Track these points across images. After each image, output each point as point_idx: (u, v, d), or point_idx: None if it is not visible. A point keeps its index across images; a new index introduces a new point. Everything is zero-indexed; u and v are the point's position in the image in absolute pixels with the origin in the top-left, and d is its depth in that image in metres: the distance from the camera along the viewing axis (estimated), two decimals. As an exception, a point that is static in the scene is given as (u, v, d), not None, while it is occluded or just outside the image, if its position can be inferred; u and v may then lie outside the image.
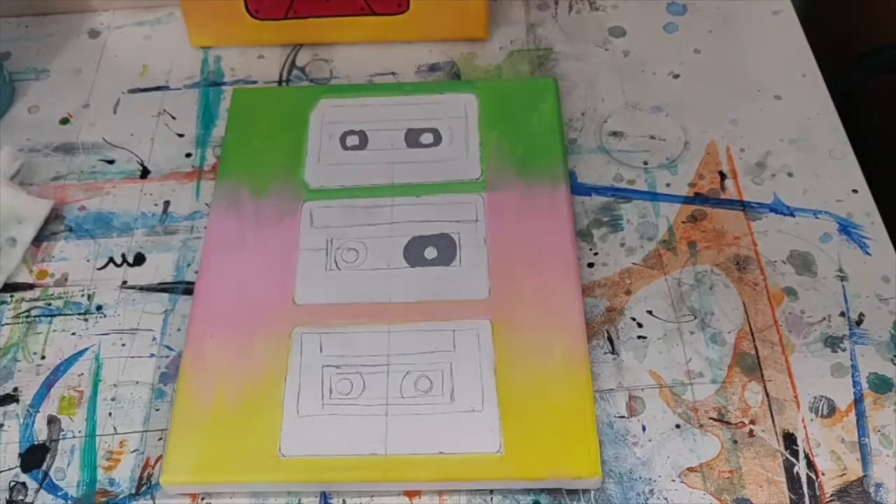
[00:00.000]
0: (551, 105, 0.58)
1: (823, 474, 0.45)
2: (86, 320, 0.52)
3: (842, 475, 0.45)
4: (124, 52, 0.66)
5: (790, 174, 0.57)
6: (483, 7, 0.63)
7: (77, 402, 0.49)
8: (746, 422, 0.47)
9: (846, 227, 0.54)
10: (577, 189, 0.57)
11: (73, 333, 0.52)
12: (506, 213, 0.54)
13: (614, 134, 0.59)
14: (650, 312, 0.51)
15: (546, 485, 0.45)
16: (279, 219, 0.54)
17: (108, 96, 0.64)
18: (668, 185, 0.56)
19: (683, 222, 0.55)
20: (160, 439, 0.48)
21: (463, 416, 0.46)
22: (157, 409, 0.49)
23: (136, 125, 0.62)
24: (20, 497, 0.46)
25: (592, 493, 0.45)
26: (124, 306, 0.53)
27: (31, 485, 0.47)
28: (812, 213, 0.55)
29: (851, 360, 0.49)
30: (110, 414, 0.49)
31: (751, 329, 0.50)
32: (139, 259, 0.55)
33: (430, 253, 0.52)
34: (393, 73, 0.64)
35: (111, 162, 0.60)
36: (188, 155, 0.60)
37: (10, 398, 0.50)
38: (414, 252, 0.53)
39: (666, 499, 0.45)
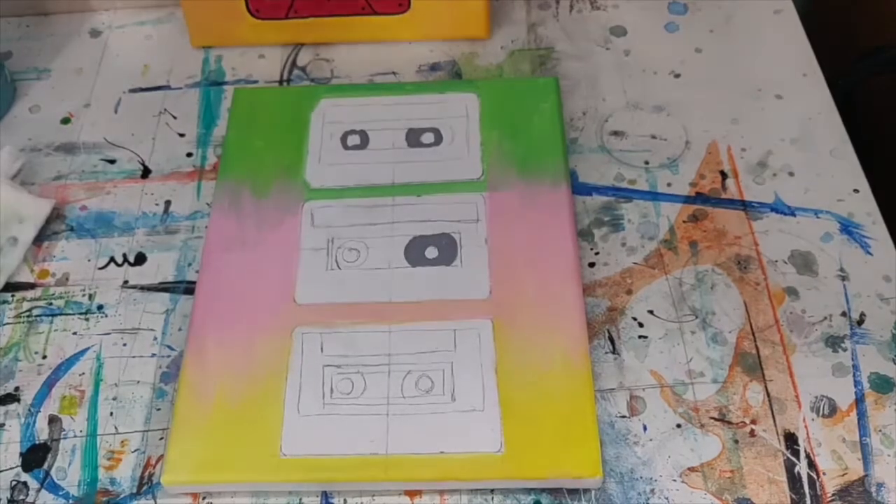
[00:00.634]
0: (552, 104, 0.58)
1: (824, 474, 0.45)
2: (87, 320, 0.52)
3: (843, 475, 0.45)
4: (125, 52, 0.66)
5: (791, 174, 0.57)
6: (484, 6, 0.63)
7: (78, 401, 0.49)
8: (747, 421, 0.47)
9: (847, 227, 0.54)
10: (579, 189, 0.57)
11: (75, 333, 0.52)
12: (507, 212, 0.54)
13: (615, 133, 0.59)
14: (651, 312, 0.51)
15: (547, 484, 0.45)
16: (280, 218, 0.54)
17: (109, 96, 0.64)
18: (669, 184, 0.56)
19: (684, 222, 0.55)
20: (161, 439, 0.48)
21: (464, 415, 0.46)
22: (159, 409, 0.49)
23: (137, 125, 0.62)
24: (21, 496, 0.46)
25: (593, 492, 0.45)
26: (125, 306, 0.53)
27: (33, 484, 0.47)
28: (813, 212, 0.55)
29: (852, 359, 0.49)
30: (111, 413, 0.49)
31: (752, 329, 0.50)
32: (140, 259, 0.55)
33: (431, 252, 0.52)
34: (394, 73, 0.64)
35: (112, 161, 0.60)
36: (189, 154, 0.60)
37: (12, 398, 0.50)
38: (415, 252, 0.52)
39: (667, 498, 0.45)
